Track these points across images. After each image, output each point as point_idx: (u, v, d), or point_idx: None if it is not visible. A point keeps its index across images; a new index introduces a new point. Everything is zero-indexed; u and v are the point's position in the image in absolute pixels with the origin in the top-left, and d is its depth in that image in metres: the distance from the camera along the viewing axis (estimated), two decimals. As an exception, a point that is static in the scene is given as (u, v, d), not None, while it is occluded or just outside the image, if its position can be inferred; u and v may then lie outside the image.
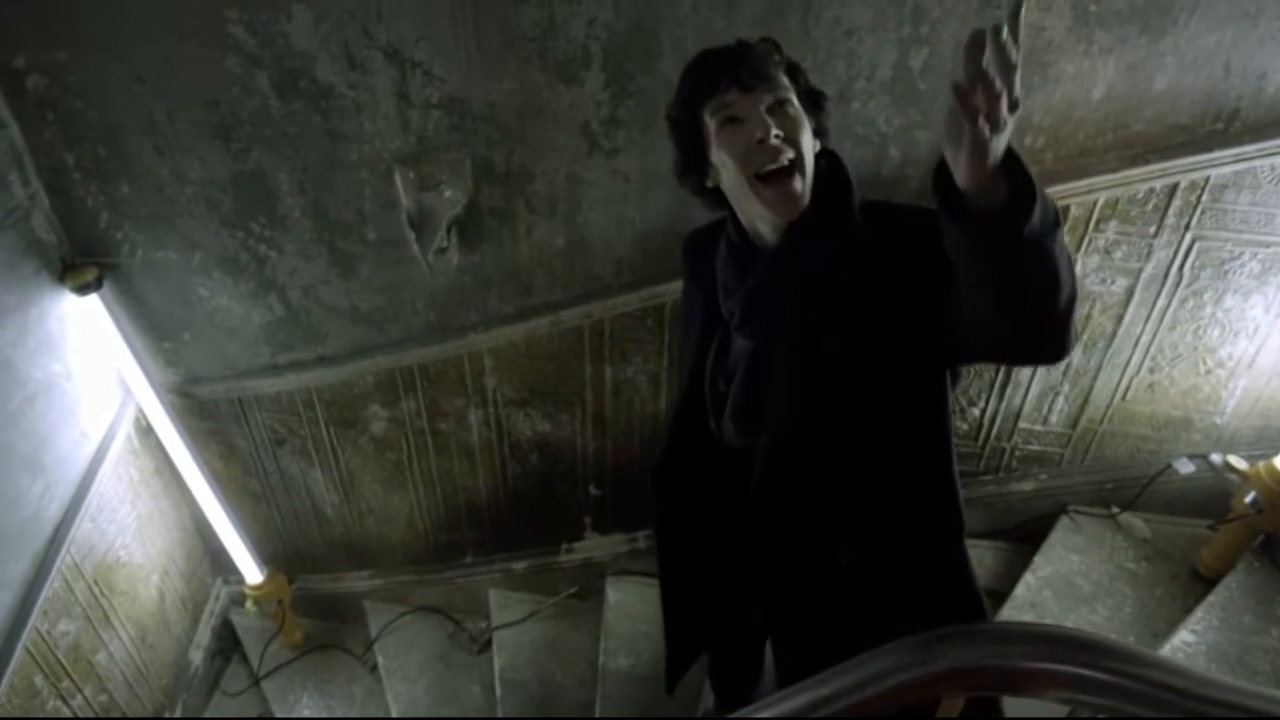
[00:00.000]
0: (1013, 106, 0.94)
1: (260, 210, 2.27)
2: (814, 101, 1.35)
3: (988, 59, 0.91)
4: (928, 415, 1.42)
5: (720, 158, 1.33)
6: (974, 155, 0.96)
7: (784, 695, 1.29)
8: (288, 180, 2.21)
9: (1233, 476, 2.24)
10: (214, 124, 2.12)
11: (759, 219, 1.36)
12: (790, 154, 1.28)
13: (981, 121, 0.93)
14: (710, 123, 1.32)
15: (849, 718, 1.20)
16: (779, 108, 1.29)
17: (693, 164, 1.39)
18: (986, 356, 1.49)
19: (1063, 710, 1.26)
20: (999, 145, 0.97)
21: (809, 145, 1.31)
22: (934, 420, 1.42)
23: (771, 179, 1.28)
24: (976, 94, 0.92)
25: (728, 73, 1.29)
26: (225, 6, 1.94)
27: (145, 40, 2.00)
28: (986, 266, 1.08)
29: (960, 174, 1.00)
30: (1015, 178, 0.99)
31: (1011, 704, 1.35)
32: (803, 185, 1.29)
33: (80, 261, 2.37)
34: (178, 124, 2.13)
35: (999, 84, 0.92)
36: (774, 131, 1.26)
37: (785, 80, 1.31)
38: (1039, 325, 1.13)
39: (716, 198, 1.41)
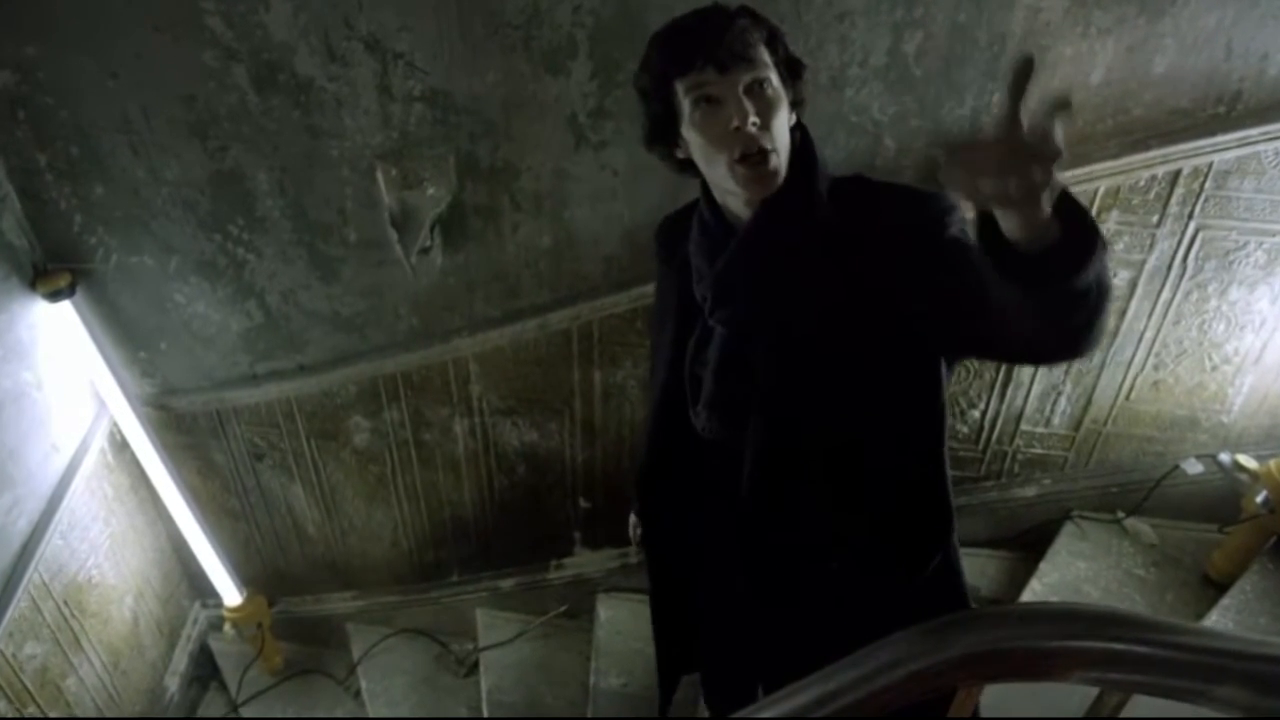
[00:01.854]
0: (1054, 156, 0.86)
1: (238, 211, 2.21)
2: (792, 71, 1.29)
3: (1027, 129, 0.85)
4: (916, 407, 1.36)
5: (693, 136, 1.27)
6: (1027, 214, 0.89)
7: (787, 693, 1.20)
8: (266, 179, 2.15)
9: (1243, 476, 2.17)
10: (190, 121, 2.07)
11: (731, 196, 1.31)
12: (768, 142, 1.23)
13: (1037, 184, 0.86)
14: (684, 99, 1.25)
15: (856, 715, 1.12)
16: (757, 88, 1.22)
17: (662, 135, 1.32)
18: (997, 359, 1.41)
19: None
20: (1053, 195, 0.88)
21: (784, 125, 1.26)
22: (924, 413, 1.37)
23: (746, 160, 1.23)
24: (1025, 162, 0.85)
25: (704, 51, 1.21)
26: (202, -3, 1.89)
27: (119, 34, 1.95)
28: (1039, 303, 0.99)
29: (1011, 229, 0.92)
30: (1068, 216, 0.91)
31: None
32: (778, 163, 1.25)
33: (52, 267, 2.30)
34: (153, 122, 2.07)
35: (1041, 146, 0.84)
36: (751, 119, 1.20)
37: (765, 56, 1.23)
38: (1078, 338, 1.06)
39: (687, 167, 1.34)
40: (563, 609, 2.95)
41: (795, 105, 1.30)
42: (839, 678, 1.18)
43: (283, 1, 1.89)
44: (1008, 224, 0.92)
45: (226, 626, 2.97)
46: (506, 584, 2.95)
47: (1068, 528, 2.47)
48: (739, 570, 1.54)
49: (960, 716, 1.26)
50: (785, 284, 1.31)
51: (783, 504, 1.43)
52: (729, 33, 1.21)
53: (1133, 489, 2.42)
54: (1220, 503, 2.30)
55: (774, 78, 1.24)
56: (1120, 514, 2.46)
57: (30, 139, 2.10)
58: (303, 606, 3.13)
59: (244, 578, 2.96)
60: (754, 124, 1.20)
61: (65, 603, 2.43)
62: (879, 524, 1.43)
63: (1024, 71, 0.87)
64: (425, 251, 2.23)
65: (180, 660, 3.04)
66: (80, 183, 2.17)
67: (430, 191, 2.14)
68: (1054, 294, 0.95)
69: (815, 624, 1.51)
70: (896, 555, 1.45)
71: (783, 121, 1.25)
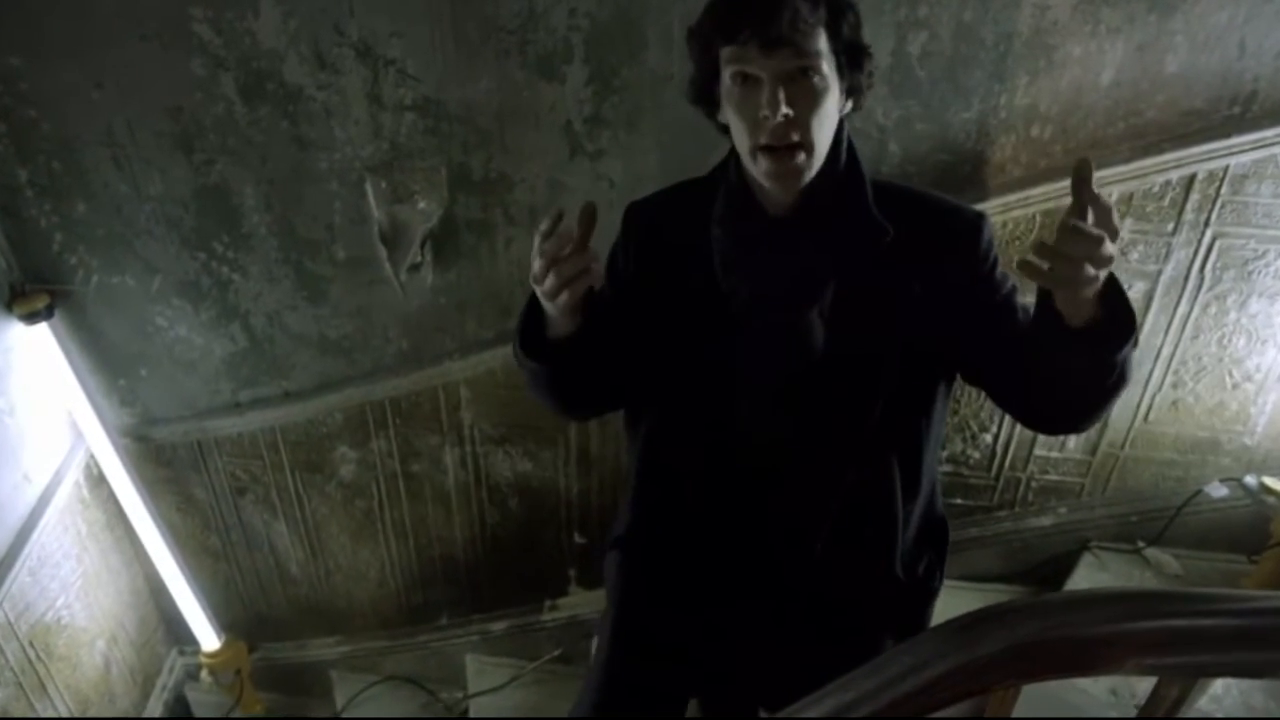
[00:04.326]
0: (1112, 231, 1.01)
1: (223, 228, 2.14)
2: (852, 58, 1.21)
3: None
4: (922, 418, 1.35)
5: (727, 109, 1.21)
6: (1081, 295, 1.05)
7: (800, 706, 1.10)
8: (253, 194, 2.09)
9: (1270, 500, 2.06)
10: (176, 134, 2.01)
11: (759, 185, 1.26)
12: (796, 135, 1.16)
13: (1089, 270, 1.01)
14: (724, 69, 1.18)
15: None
16: (801, 76, 1.15)
17: (703, 98, 1.26)
18: (992, 397, 1.40)
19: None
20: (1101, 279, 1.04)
21: (827, 119, 1.19)
22: (927, 423, 1.36)
23: (770, 151, 1.17)
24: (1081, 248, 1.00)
25: (750, 24, 1.13)
26: (191, 4, 1.85)
27: (105, 42, 1.91)
28: (1071, 372, 1.16)
29: (1066, 307, 1.09)
30: (1111, 303, 1.08)
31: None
32: (807, 161, 1.18)
33: (30, 288, 2.22)
34: (138, 134, 2.02)
35: (1095, 233, 1.00)
36: (782, 110, 1.13)
37: (819, 42, 1.15)
38: (1081, 413, 1.27)
39: (728, 131, 1.27)
40: (556, 653, 2.80)
41: (852, 94, 1.24)
42: (858, 686, 1.07)
43: (272, 7, 1.85)
44: (1065, 300, 1.08)
45: (204, 674, 2.82)
46: (497, 627, 2.81)
47: (1086, 559, 2.35)
48: (761, 569, 1.45)
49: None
50: (831, 280, 1.27)
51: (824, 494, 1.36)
52: (783, 11, 1.12)
53: (1154, 517, 2.31)
54: (1247, 529, 2.20)
55: (825, 66, 1.16)
56: (1141, 544, 2.34)
57: (11, 154, 2.05)
58: (284, 653, 2.98)
59: (223, 622, 2.82)
60: (784, 115, 1.13)
61: (31, 644, 2.30)
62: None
63: (1084, 174, 1.01)
64: (415, 269, 2.16)
65: (155, 710, 2.88)
66: (62, 199, 2.11)
67: (421, 205, 2.08)
68: (1085, 363, 1.12)
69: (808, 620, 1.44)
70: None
71: (825, 115, 1.17)
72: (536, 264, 1.17)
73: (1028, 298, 1.24)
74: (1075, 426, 1.35)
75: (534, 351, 1.31)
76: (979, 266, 1.26)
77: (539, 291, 1.20)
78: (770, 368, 1.32)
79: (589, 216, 1.18)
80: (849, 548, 1.36)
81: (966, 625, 1.01)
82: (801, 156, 1.17)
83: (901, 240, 1.24)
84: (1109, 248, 1.01)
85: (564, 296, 1.17)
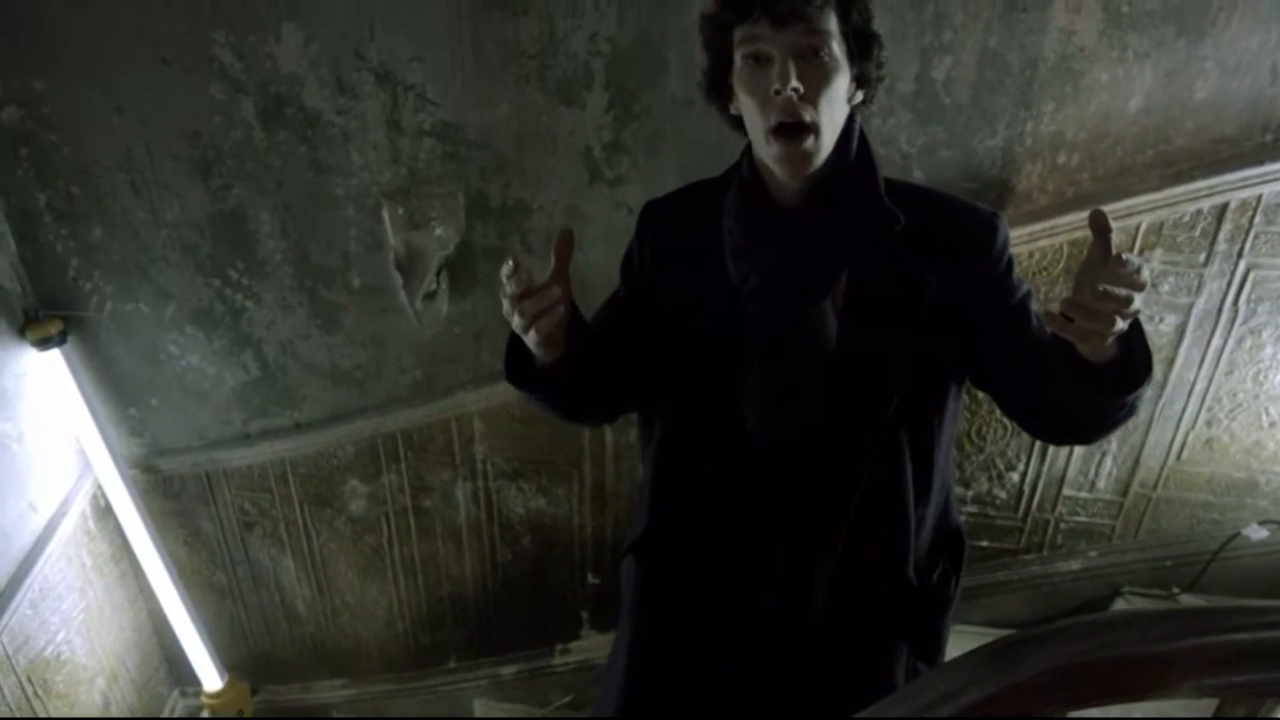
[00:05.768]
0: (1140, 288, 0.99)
1: (239, 255, 2.13)
2: (861, 44, 1.20)
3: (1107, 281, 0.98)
4: (934, 416, 1.32)
5: (740, 93, 1.20)
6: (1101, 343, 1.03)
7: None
8: (269, 220, 2.08)
9: (1312, 543, 1.99)
10: (194, 158, 2.01)
11: (771, 168, 1.24)
12: (809, 115, 1.14)
13: (1118, 324, 0.99)
14: (736, 51, 1.18)
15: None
16: (812, 54, 1.14)
17: (715, 87, 1.25)
18: (1003, 407, 1.38)
19: None
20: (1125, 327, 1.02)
21: (836, 101, 1.17)
22: (940, 422, 1.32)
23: (781, 132, 1.16)
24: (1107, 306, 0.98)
25: (762, 1, 1.14)
26: (213, 28, 1.86)
27: (127, 66, 1.92)
28: (1082, 403, 1.15)
29: (1087, 352, 1.06)
30: (1130, 343, 1.06)
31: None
32: (815, 145, 1.17)
33: (44, 314, 2.21)
34: (156, 159, 2.02)
35: (1124, 294, 0.97)
36: (792, 84, 1.12)
37: (829, 21, 1.15)
38: (1088, 433, 1.29)
39: (740, 125, 1.25)
40: (567, 699, 2.71)
41: (862, 84, 1.22)
42: (887, 714, 1.01)
43: (294, 31, 1.85)
44: (1084, 349, 1.06)
45: (204, 715, 2.75)
46: (507, 671, 2.73)
47: (1118, 605, 2.27)
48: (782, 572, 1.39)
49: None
50: (841, 274, 1.25)
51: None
52: None
53: (1188, 561, 2.23)
54: (1288, 576, 2.12)
55: (834, 46, 1.15)
56: (1175, 590, 2.25)
57: (31, 178, 2.05)
58: (289, 695, 2.90)
59: (226, 661, 2.76)
60: (794, 90, 1.12)
61: (29, 679, 2.25)
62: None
63: (1102, 224, 1.00)
64: (430, 297, 2.14)
65: (153, 753, 2.81)
66: (79, 224, 2.11)
67: (438, 232, 2.06)
68: (1098, 400, 1.11)
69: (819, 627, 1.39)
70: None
71: (835, 96, 1.16)
72: (504, 302, 1.17)
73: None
74: (1079, 443, 1.43)
75: (522, 379, 1.30)
76: (993, 266, 1.24)
77: (513, 325, 1.20)
78: (782, 362, 1.29)
79: (566, 244, 1.18)
80: (860, 551, 1.31)
81: (1005, 648, 0.95)
82: (810, 140, 1.16)
83: (915, 236, 1.22)
84: (1137, 302, 0.99)
85: (532, 333, 1.18)
